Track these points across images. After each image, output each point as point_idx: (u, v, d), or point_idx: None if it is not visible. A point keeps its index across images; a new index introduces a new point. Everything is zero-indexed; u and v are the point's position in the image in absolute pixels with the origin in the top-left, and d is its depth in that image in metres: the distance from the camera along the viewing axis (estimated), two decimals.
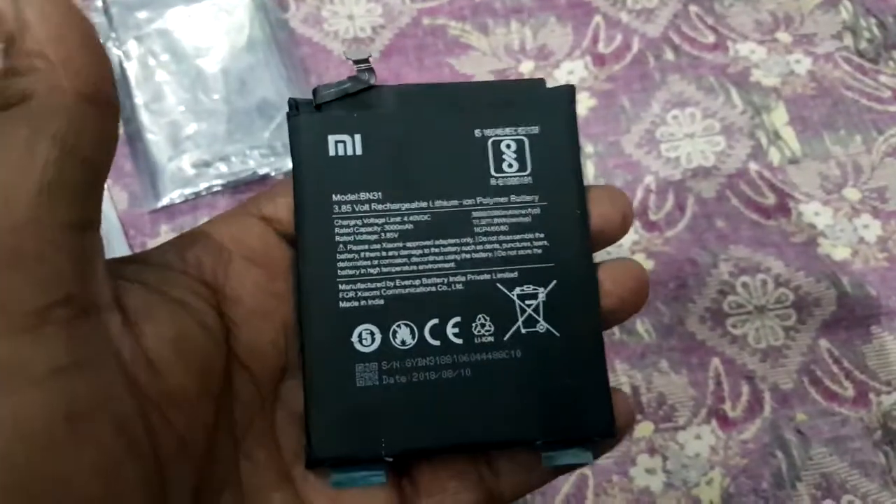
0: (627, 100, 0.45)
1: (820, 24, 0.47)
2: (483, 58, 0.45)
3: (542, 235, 0.20)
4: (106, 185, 0.43)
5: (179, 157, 0.42)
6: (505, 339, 0.19)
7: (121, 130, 0.42)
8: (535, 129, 0.21)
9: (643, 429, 0.37)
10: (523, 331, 0.19)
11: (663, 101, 0.45)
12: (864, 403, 0.38)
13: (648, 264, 0.41)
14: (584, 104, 0.44)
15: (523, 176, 0.20)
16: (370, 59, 0.20)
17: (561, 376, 0.19)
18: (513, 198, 0.20)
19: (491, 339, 0.19)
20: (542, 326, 0.20)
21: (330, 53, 0.45)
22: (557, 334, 0.19)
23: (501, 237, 0.20)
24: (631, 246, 0.41)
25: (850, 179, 0.43)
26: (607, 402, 0.19)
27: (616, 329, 0.39)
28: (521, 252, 0.20)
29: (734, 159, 0.43)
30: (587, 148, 0.43)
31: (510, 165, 0.20)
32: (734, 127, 0.44)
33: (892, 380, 0.39)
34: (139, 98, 0.43)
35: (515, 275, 0.20)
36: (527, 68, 0.45)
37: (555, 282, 0.20)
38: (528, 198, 0.20)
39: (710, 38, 0.46)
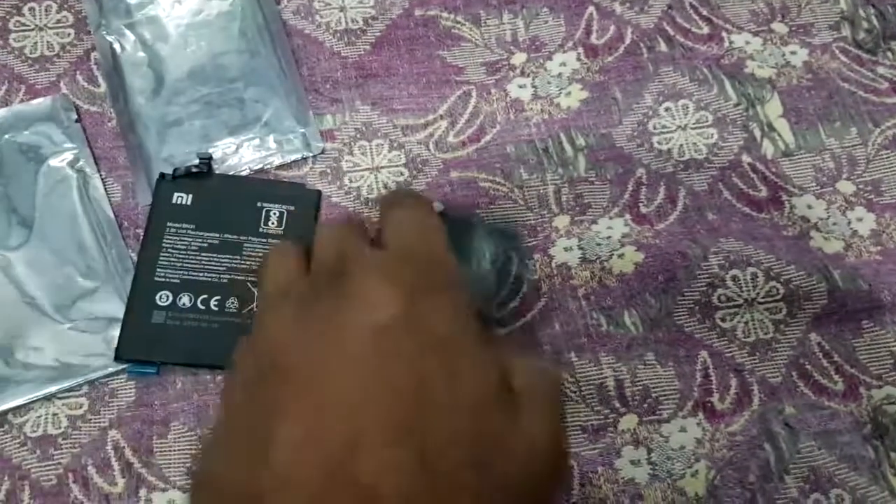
0: (620, 91, 0.44)
1: (817, 13, 0.46)
2: (475, 49, 0.45)
3: None
4: (100, 177, 0.43)
5: (171, 149, 0.42)
6: (243, 312, 0.37)
7: (113, 122, 0.42)
8: (292, 208, 0.40)
9: (628, 421, 0.37)
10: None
11: (656, 92, 0.44)
12: (854, 397, 0.38)
13: (638, 257, 0.40)
14: (575, 96, 0.44)
15: (279, 229, 0.39)
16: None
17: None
18: (270, 240, 0.39)
19: (235, 310, 0.37)
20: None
21: (321, 45, 0.45)
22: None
23: (259, 259, 0.37)
24: (621, 238, 0.41)
25: (845, 172, 0.43)
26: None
27: (603, 320, 0.39)
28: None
29: (727, 151, 0.43)
30: (578, 140, 0.43)
31: (273, 223, 0.39)
32: (727, 119, 0.44)
33: (882, 374, 0.38)
34: (130, 88, 0.43)
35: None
36: (519, 60, 0.45)
37: None
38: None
39: (705, 29, 0.46)
